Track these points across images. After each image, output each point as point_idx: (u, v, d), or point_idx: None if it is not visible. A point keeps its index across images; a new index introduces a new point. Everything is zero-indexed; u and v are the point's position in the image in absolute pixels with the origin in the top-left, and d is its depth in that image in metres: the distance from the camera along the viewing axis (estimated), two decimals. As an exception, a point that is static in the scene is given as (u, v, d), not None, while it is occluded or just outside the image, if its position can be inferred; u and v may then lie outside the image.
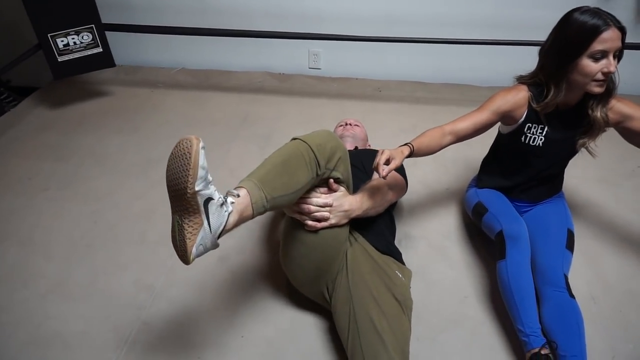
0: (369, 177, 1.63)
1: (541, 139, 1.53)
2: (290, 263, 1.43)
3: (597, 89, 1.37)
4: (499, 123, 1.60)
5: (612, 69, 1.31)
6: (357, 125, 2.02)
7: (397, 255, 1.47)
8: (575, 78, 1.37)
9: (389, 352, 1.17)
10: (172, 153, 1.01)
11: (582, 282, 1.58)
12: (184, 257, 1.03)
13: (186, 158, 0.96)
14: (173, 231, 1.05)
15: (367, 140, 2.04)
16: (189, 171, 0.96)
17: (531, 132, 1.53)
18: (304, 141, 1.23)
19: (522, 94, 1.51)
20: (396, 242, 1.67)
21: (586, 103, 1.45)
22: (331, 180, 1.31)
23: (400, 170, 1.70)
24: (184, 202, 0.99)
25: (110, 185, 2.04)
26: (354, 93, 2.68)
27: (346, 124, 2.00)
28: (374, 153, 1.77)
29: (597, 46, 1.29)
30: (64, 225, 1.84)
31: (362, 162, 1.70)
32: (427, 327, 1.46)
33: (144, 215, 1.88)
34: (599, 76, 1.34)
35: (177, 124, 2.41)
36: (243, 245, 1.73)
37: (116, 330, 1.46)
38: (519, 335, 1.34)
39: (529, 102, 1.49)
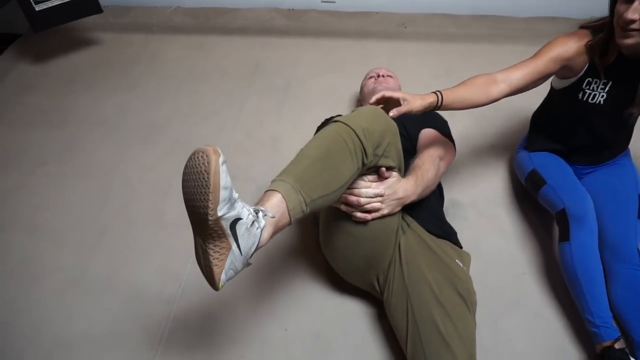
0: (413, 144, 1.44)
1: (602, 96, 1.31)
2: (334, 254, 1.27)
3: (620, 39, 1.16)
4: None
5: (628, 15, 1.10)
6: (391, 76, 1.77)
7: (453, 237, 1.31)
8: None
9: (455, 358, 1.05)
10: (186, 166, 0.82)
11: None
12: (212, 284, 0.88)
13: (204, 178, 0.77)
14: (197, 252, 0.89)
15: (400, 92, 1.80)
16: (208, 195, 0.77)
17: (591, 88, 1.31)
18: (347, 125, 1.02)
19: (583, 42, 1.27)
20: (444, 213, 1.51)
21: None
22: (383, 169, 1.11)
23: (446, 131, 1.49)
24: (206, 228, 0.81)
25: (114, 155, 1.82)
26: (375, 30, 2.37)
27: (378, 76, 1.75)
28: (415, 115, 1.56)
29: None
30: (72, 207, 1.65)
31: (404, 125, 1.49)
32: (487, 310, 1.34)
33: (158, 191, 1.69)
34: (621, 22, 1.13)
35: (180, 77, 2.13)
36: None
37: (147, 329, 1.33)
38: (588, 325, 1.22)
39: (590, 52, 1.26)
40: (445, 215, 1.53)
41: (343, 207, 1.14)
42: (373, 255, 1.21)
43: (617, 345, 1.16)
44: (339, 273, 1.33)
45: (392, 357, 1.26)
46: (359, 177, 1.11)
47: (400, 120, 1.49)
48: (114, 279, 1.45)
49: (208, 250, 0.83)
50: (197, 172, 0.78)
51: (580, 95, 1.34)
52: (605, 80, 1.29)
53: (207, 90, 2.06)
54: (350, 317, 1.34)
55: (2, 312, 1.39)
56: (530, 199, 1.59)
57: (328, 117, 1.68)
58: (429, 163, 1.27)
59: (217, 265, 0.84)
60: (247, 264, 0.89)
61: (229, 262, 0.85)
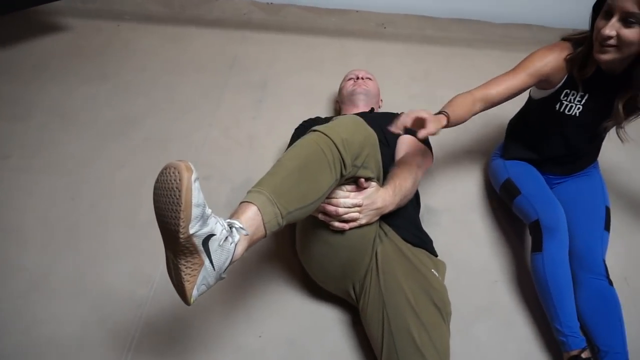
0: (392, 149, 1.44)
1: (579, 108, 1.35)
2: (310, 261, 1.27)
3: (598, 54, 1.20)
4: None
5: (605, 31, 1.14)
6: (370, 79, 1.76)
7: (429, 246, 1.32)
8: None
9: None
10: (157, 180, 0.79)
11: (614, 261, 1.49)
12: (183, 299, 0.86)
13: (175, 195, 0.75)
14: (168, 266, 0.87)
15: (380, 96, 1.80)
16: (179, 213, 0.75)
17: (568, 100, 1.35)
18: (326, 135, 1.00)
19: (563, 55, 1.30)
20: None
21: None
22: (362, 180, 1.11)
23: (425, 139, 1.50)
24: (178, 245, 0.79)
25: (84, 151, 1.75)
26: (355, 29, 2.35)
27: (357, 78, 1.74)
28: (394, 117, 1.55)
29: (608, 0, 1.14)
30: (37, 204, 1.58)
31: (383, 130, 1.48)
32: (459, 317, 1.36)
33: (129, 189, 1.63)
34: (599, 37, 1.17)
35: (155, 70, 2.06)
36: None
37: (116, 333, 1.30)
38: (556, 334, 1.26)
39: (569, 65, 1.30)
40: (421, 220, 1.54)
41: (321, 217, 1.13)
42: (350, 263, 1.21)
43: (583, 355, 1.20)
44: (314, 280, 1.33)
45: (366, 364, 1.27)
46: (338, 187, 1.10)
47: (380, 126, 1.49)
48: (82, 281, 1.40)
49: (179, 266, 0.81)
50: (168, 188, 0.76)
51: (557, 106, 1.37)
52: (582, 93, 1.33)
53: (183, 84, 2.00)
54: (325, 324, 1.34)
55: (-40, 315, 1.32)
56: (503, 206, 1.63)
57: (306, 118, 1.67)
58: (407, 172, 1.27)
59: (188, 280, 0.82)
60: (220, 278, 0.88)
61: (201, 277, 0.83)
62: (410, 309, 1.14)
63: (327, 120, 1.58)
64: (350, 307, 1.35)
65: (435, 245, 1.40)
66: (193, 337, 1.30)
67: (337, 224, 1.12)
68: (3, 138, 1.78)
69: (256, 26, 2.33)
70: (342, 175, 1.03)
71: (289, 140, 1.61)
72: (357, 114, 1.60)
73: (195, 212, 0.76)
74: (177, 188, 0.74)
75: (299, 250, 1.31)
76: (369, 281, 1.21)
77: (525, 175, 1.51)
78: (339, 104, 1.80)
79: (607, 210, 1.44)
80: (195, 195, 0.76)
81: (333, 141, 1.00)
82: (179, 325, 1.32)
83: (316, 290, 1.38)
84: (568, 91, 1.34)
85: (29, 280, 1.39)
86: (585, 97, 1.33)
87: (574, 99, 1.34)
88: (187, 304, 0.86)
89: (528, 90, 1.45)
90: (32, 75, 2.03)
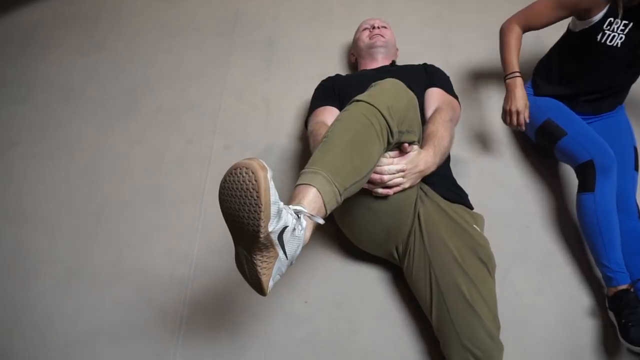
0: (420, 103, 1.40)
1: (621, 38, 1.32)
2: (352, 227, 1.27)
3: None
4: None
5: None
6: (386, 27, 1.68)
7: (465, 200, 1.33)
8: None
9: (484, 325, 1.11)
10: (226, 180, 0.77)
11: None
12: (260, 292, 0.87)
13: (252, 197, 0.74)
14: (239, 261, 0.87)
15: (396, 44, 1.72)
16: (259, 214, 0.74)
17: (611, 29, 1.32)
18: (371, 105, 0.98)
19: None
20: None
21: None
22: (406, 145, 1.09)
23: (450, 88, 1.47)
24: (256, 243, 0.79)
25: (94, 129, 1.68)
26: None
27: (373, 27, 1.65)
28: (419, 71, 1.50)
29: None
30: (57, 190, 1.54)
31: (408, 83, 1.42)
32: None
33: (150, 167, 1.59)
34: None
35: (152, 34, 1.94)
36: (285, 197, 1.52)
37: (164, 314, 1.31)
38: (604, 270, 1.28)
39: None
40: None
41: (365, 185, 1.11)
42: (393, 227, 1.21)
43: (632, 289, 1.24)
44: (355, 244, 1.33)
45: (412, 319, 1.30)
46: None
47: (404, 80, 1.44)
48: (119, 267, 1.39)
49: (255, 261, 0.80)
50: (243, 189, 0.74)
51: (599, 36, 1.35)
52: (626, 22, 1.30)
53: (186, 48, 1.89)
54: (368, 284, 1.37)
55: (3, 311, 1.32)
56: (529, 151, 1.62)
57: (320, 74, 1.60)
58: (443, 129, 1.24)
59: (265, 274, 0.82)
60: (290, 265, 0.87)
61: (276, 268, 0.83)
62: (457, 266, 1.16)
63: (348, 78, 1.53)
64: (389, 263, 1.36)
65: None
66: (240, 310, 1.32)
67: (381, 190, 1.11)
68: (7, 124, 1.70)
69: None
70: (389, 142, 1.01)
71: (309, 100, 1.55)
72: (379, 69, 1.55)
73: (273, 210, 0.75)
74: (254, 189, 0.73)
75: (338, 218, 1.30)
76: (413, 242, 1.22)
77: (564, 114, 1.47)
78: (355, 57, 1.72)
79: (636, 150, 1.44)
80: (273, 194, 0.74)
81: (379, 110, 0.97)
82: (225, 300, 1.34)
83: (354, 252, 1.38)
84: (612, 19, 1.31)
85: (66, 271, 1.38)
86: (629, 27, 1.31)
87: (617, 28, 1.32)
88: (264, 294, 0.87)
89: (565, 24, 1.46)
90: (21, 51, 1.90)
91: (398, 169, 1.09)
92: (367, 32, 1.65)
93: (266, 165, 0.75)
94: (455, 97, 1.45)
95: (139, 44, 1.90)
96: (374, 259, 1.38)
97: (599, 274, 1.32)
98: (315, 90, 1.53)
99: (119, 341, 1.27)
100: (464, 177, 1.55)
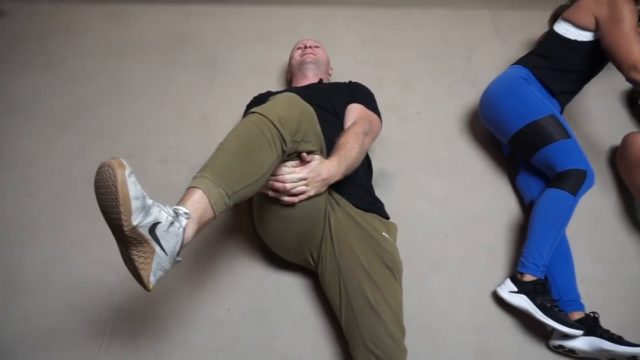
0: (340, 119, 1.48)
1: None
2: (268, 235, 1.33)
3: None
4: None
5: None
6: (318, 47, 1.78)
7: (380, 210, 1.40)
8: None
9: (386, 326, 1.17)
10: (95, 179, 0.83)
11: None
12: (143, 286, 0.90)
13: (112, 192, 0.80)
14: (122, 257, 0.91)
15: (329, 63, 1.82)
16: (119, 208, 0.80)
17: None
18: (263, 115, 1.05)
19: None
20: (372, 183, 1.59)
21: None
22: (304, 154, 1.15)
23: (372, 104, 1.54)
24: (125, 237, 0.84)
25: (36, 144, 1.73)
26: (303, -4, 2.32)
27: (305, 47, 1.75)
28: (342, 88, 1.59)
29: None
30: (-7, 203, 1.58)
31: (330, 100, 1.52)
32: (414, 272, 1.46)
33: (87, 179, 1.61)
34: None
35: (99, 52, 2.01)
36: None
37: (89, 321, 1.35)
38: (536, 258, 1.35)
39: None
40: (375, 185, 1.61)
41: (271, 193, 1.17)
42: (304, 234, 1.27)
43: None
44: (275, 252, 1.39)
45: (329, 323, 1.36)
46: (282, 164, 1.14)
47: (327, 97, 1.53)
48: (49, 275, 1.43)
49: (132, 256, 0.86)
50: (105, 186, 0.80)
51: None
52: None
53: (131, 67, 1.96)
54: (289, 291, 1.43)
55: None
56: (452, 165, 1.71)
57: (258, 92, 1.68)
58: (352, 141, 1.31)
59: (143, 269, 0.87)
60: (176, 262, 0.92)
61: (155, 264, 0.88)
62: (363, 271, 1.22)
63: (277, 94, 1.61)
64: (310, 272, 1.42)
65: (389, 206, 1.48)
66: (165, 317, 1.37)
67: (286, 198, 1.17)
68: (-52, 137, 1.74)
69: (201, 0, 2.27)
70: (283, 151, 1.07)
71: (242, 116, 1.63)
72: (306, 86, 1.64)
73: (135, 204, 0.80)
74: (113, 185, 0.78)
75: (256, 226, 1.37)
76: (325, 249, 1.29)
77: (561, 118, 1.49)
78: (290, 75, 1.81)
79: None
80: (132, 189, 0.80)
81: (270, 120, 1.04)
82: (150, 307, 1.38)
83: (278, 260, 1.44)
84: None
85: (-5, 280, 1.41)
86: None
87: None
88: (147, 290, 0.91)
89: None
90: (-30, 67, 1.95)
91: (299, 177, 1.15)
92: (299, 51, 1.75)
93: (125, 163, 0.80)
94: (377, 112, 1.53)
95: (86, 62, 1.97)
96: (296, 267, 1.44)
97: (526, 261, 1.38)
98: (247, 105, 1.61)
99: (41, 350, 1.30)
100: (387, 189, 1.64)
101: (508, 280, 1.38)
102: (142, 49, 2.03)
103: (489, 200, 1.64)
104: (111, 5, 2.21)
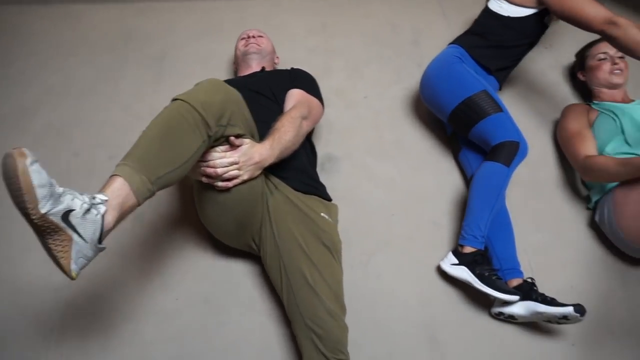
0: (280, 105, 1.49)
1: None
2: (208, 221, 1.35)
3: None
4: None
5: None
6: (262, 36, 1.79)
7: (321, 191, 1.42)
8: None
9: (324, 303, 1.20)
10: (1, 171, 0.84)
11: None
12: (66, 274, 0.91)
13: (15, 182, 0.80)
14: (43, 247, 0.91)
15: (275, 52, 1.83)
16: (23, 196, 0.81)
17: None
18: (184, 101, 1.06)
19: None
20: (319, 167, 1.62)
21: None
22: (232, 138, 1.16)
23: (313, 89, 1.56)
24: (36, 226, 0.85)
25: (-18, 148, 1.72)
26: (251, -13, 2.33)
27: (249, 37, 1.76)
28: (283, 75, 1.60)
29: None
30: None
31: (271, 87, 1.53)
32: (360, 252, 1.50)
33: (34, 180, 1.64)
34: None
35: (47, 53, 2.00)
36: (157, 199, 1.58)
37: (38, 321, 1.36)
38: (474, 230, 1.39)
39: None
40: (322, 170, 1.64)
41: (204, 179, 1.19)
42: (243, 219, 1.28)
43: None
44: (218, 238, 1.41)
45: (276, 306, 1.39)
46: (212, 149, 1.16)
47: (267, 84, 1.54)
48: (-4, 277, 1.43)
49: (49, 245, 0.87)
50: (9, 176, 0.81)
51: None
52: None
53: (79, 66, 1.95)
54: (237, 278, 1.45)
55: None
56: (397, 147, 1.73)
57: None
58: (288, 124, 1.32)
59: (63, 257, 0.88)
60: (99, 249, 0.93)
61: (74, 252, 0.89)
62: (301, 252, 1.25)
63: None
64: (258, 258, 1.44)
65: (336, 190, 1.51)
66: (114, 311, 1.38)
67: (220, 183, 1.18)
68: None
69: (149, -4, 2.27)
70: (209, 136, 1.08)
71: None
72: (248, 75, 1.65)
73: (40, 192, 0.81)
74: (15, 175, 0.80)
75: (199, 214, 1.38)
76: (265, 232, 1.31)
77: (492, 90, 1.53)
78: (235, 65, 1.82)
79: None
80: (35, 177, 0.81)
81: (192, 105, 1.05)
82: (98, 302, 1.39)
83: (225, 248, 1.46)
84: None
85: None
86: None
87: None
88: (71, 278, 0.91)
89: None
90: None
91: (230, 162, 1.17)
92: (243, 42, 1.76)
93: (27, 152, 0.81)
94: (319, 97, 1.55)
95: (31, 63, 1.96)
96: (243, 253, 1.46)
97: (465, 234, 1.41)
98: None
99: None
100: (335, 173, 1.66)
101: (450, 254, 1.42)
102: (90, 47, 2.02)
103: (433, 178, 1.67)
104: (57, 5, 2.19)
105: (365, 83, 1.92)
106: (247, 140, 1.20)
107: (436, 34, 2.08)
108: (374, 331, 1.37)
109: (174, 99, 1.08)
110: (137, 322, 1.36)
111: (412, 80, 1.90)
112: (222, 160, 1.16)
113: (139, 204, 0.99)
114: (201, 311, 1.39)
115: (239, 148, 1.19)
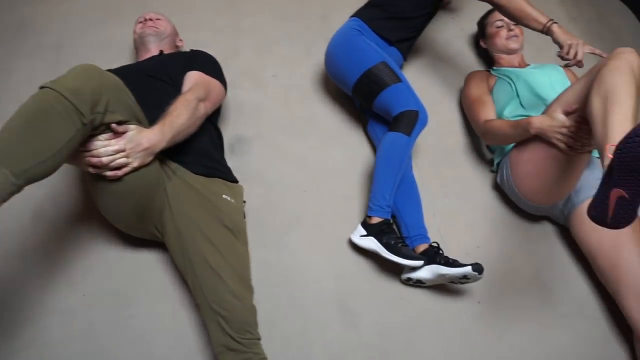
0: (178, 89, 1.44)
1: None
2: (108, 213, 1.29)
3: None
4: None
5: None
6: (159, 19, 1.71)
7: (225, 174, 1.40)
8: None
9: (228, 286, 1.19)
10: None
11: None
12: None
13: None
14: None
15: (178, 34, 1.77)
16: None
17: None
18: (52, 89, 1.00)
19: None
20: (228, 149, 1.59)
21: None
22: (114, 125, 1.11)
23: (213, 71, 1.51)
24: None
25: None
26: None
27: (145, 20, 1.69)
28: (182, 57, 1.55)
29: None
30: None
31: (168, 71, 1.48)
32: (273, 231, 1.50)
33: None
34: None
35: None
36: (57, 193, 1.52)
37: None
38: (380, 201, 1.41)
39: None
40: (231, 151, 1.62)
41: (91, 170, 1.13)
42: (141, 207, 1.24)
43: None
44: (121, 230, 1.36)
45: (189, 295, 1.36)
46: (94, 138, 1.10)
47: (164, 67, 1.49)
48: None
49: None
50: None
51: None
52: None
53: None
54: (146, 267, 1.41)
55: None
56: (308, 124, 1.73)
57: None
58: (181, 107, 1.27)
59: None
60: None
61: None
62: (202, 236, 1.23)
63: (118, 70, 1.54)
64: (165, 246, 1.41)
65: (248, 171, 1.50)
66: (16, 313, 1.31)
67: (109, 173, 1.13)
68: None
69: (44, -20, 2.12)
70: (84, 124, 1.03)
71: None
72: (147, 59, 1.59)
73: None
74: None
75: (97, 206, 1.32)
76: (166, 219, 1.28)
77: (393, 62, 1.54)
78: (136, 50, 1.75)
79: None
80: None
81: (60, 93, 0.99)
82: (1, 303, 1.32)
83: (132, 239, 1.42)
84: None
85: None
86: None
87: None
88: None
89: None
90: None
91: (115, 150, 1.11)
92: (140, 25, 1.68)
93: None
94: (219, 78, 1.51)
95: None
96: (153, 243, 1.42)
97: (372, 205, 1.43)
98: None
99: None
100: (246, 154, 1.65)
101: (359, 226, 1.44)
102: (-22, 40, 1.88)
103: (344, 152, 1.69)
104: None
105: (274, 61, 1.90)
106: (132, 127, 1.15)
107: (345, 7, 2.07)
108: (288, 308, 1.38)
109: (41, 87, 1.02)
110: (41, 322, 1.31)
111: (321, 56, 1.87)
112: (106, 149, 1.11)
113: (3, 201, 0.93)
114: (110, 305, 1.35)
115: (124, 135, 1.14)
